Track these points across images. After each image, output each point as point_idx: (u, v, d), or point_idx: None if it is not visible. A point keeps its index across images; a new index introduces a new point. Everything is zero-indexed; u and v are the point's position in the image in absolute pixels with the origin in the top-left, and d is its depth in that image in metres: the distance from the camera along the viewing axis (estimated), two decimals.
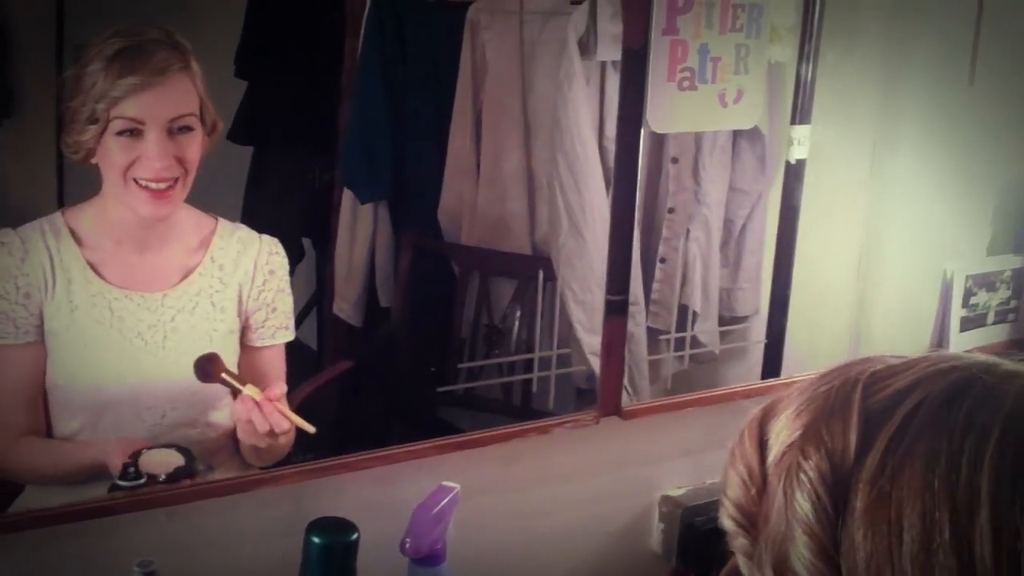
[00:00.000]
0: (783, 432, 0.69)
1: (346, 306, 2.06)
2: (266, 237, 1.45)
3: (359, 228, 2.00)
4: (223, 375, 1.36)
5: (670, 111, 1.70)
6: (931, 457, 0.63)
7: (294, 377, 1.67)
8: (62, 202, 1.42)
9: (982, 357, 0.69)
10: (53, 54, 1.44)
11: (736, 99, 1.76)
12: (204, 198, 1.48)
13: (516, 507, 1.69)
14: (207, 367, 1.35)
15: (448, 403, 1.94)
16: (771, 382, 1.92)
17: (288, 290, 1.47)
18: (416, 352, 2.01)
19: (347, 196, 1.95)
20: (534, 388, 1.80)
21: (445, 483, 1.51)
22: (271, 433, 1.35)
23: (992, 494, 0.61)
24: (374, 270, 2.04)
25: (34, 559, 1.34)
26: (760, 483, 0.69)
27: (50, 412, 1.38)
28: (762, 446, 0.71)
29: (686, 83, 1.69)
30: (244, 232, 1.43)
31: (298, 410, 1.63)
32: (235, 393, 1.36)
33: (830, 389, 0.69)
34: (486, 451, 1.62)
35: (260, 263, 1.43)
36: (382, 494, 1.53)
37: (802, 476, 0.66)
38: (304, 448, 1.50)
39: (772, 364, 1.97)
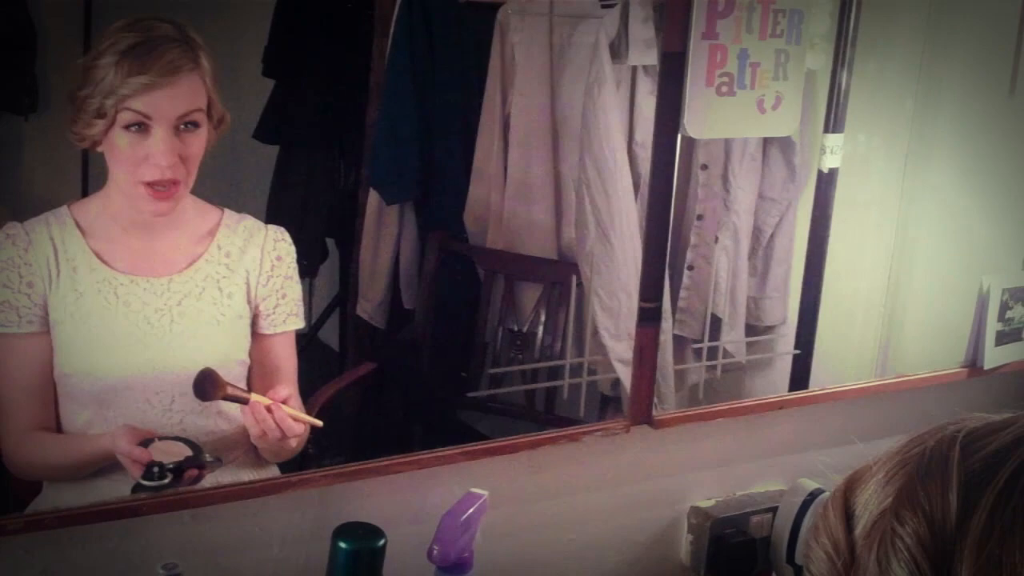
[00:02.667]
0: (873, 499, 0.65)
1: (369, 307, 2.05)
2: (272, 226, 1.45)
3: (384, 229, 2.00)
4: (226, 390, 1.33)
5: (707, 116, 1.67)
6: None
7: (316, 377, 1.68)
8: (86, 195, 1.42)
9: None
10: (80, 50, 1.42)
11: (775, 106, 1.73)
12: (229, 197, 1.49)
13: (544, 515, 1.67)
14: (205, 386, 1.34)
15: (471, 407, 1.93)
16: (802, 393, 1.90)
17: (296, 278, 1.47)
18: (439, 355, 2.00)
19: (373, 197, 1.94)
20: (564, 395, 1.78)
21: (473, 490, 1.49)
22: (283, 438, 1.35)
23: None
24: (398, 272, 2.03)
25: (58, 558, 1.33)
26: (848, 556, 0.65)
27: (59, 405, 1.37)
28: (848, 517, 0.66)
29: (725, 88, 1.67)
30: (250, 221, 1.44)
31: (321, 411, 1.63)
32: (243, 402, 1.35)
33: (924, 450, 0.65)
34: (515, 458, 1.60)
35: (267, 250, 1.43)
36: (410, 500, 1.52)
37: (898, 543, 0.62)
38: (331, 452, 1.49)
39: (800, 375, 1.95)
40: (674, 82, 1.62)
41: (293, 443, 1.39)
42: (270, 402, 1.35)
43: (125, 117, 1.28)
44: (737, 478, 1.81)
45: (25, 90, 1.42)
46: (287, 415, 1.35)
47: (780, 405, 1.82)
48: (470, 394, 1.76)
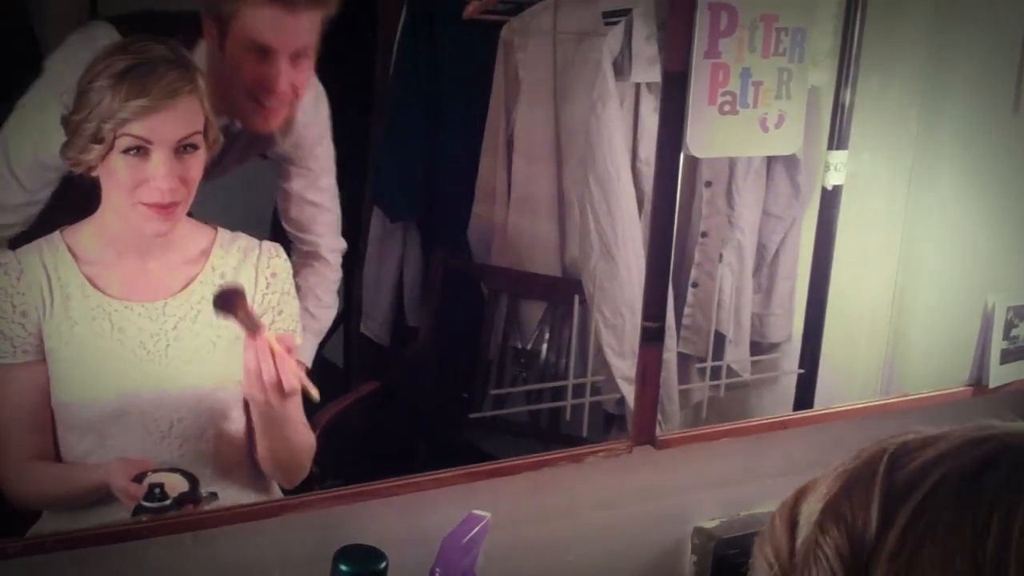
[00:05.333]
0: (810, 511, 0.65)
1: (373, 325, 2.04)
2: (266, 242, 1.44)
3: (388, 246, 1.98)
4: (245, 309, 1.32)
5: (710, 135, 1.67)
6: (954, 533, 0.59)
7: (321, 394, 1.62)
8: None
9: (1022, 425, 0.64)
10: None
11: (777, 124, 1.73)
12: (230, 213, 1.48)
13: (547, 537, 1.66)
14: (230, 297, 1.32)
15: (474, 425, 1.91)
16: (807, 412, 1.89)
17: (293, 293, 1.46)
18: (443, 373, 1.98)
19: (376, 214, 1.92)
20: (567, 416, 1.77)
21: (475, 511, 1.49)
22: (278, 387, 1.31)
23: (1021, 572, 0.56)
24: (402, 290, 2.02)
25: None
26: (787, 566, 0.65)
27: (57, 434, 1.36)
28: (792, 527, 0.66)
29: (727, 107, 1.67)
30: (244, 240, 1.43)
31: (325, 430, 1.61)
32: (252, 334, 1.32)
33: (858, 463, 0.65)
34: (517, 479, 1.59)
35: (261, 267, 1.42)
36: (411, 522, 1.51)
37: (819, 554, 0.62)
38: (334, 472, 1.48)
39: (805, 393, 1.94)
40: (676, 101, 1.62)
41: (287, 398, 1.34)
42: (278, 348, 1.32)
43: (124, 142, 1.27)
44: (741, 498, 1.80)
45: None
46: (288, 360, 1.32)
47: (784, 424, 1.81)
48: (474, 415, 1.75)
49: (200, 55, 1.37)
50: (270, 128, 1.47)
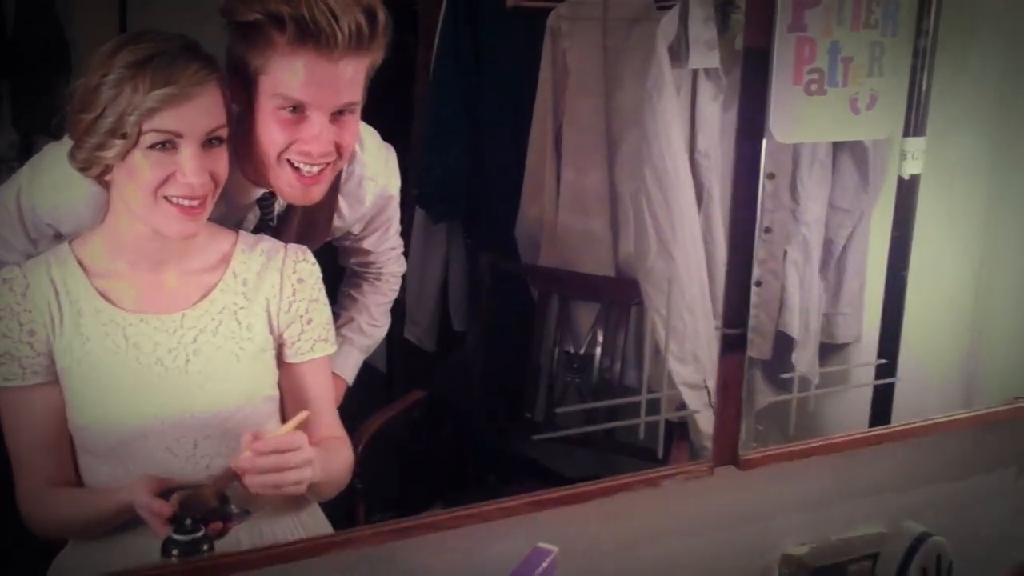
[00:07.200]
0: None
1: (418, 330, 2.04)
2: (292, 245, 1.35)
3: (431, 248, 1.97)
4: (214, 491, 1.21)
5: (795, 119, 1.55)
6: None
7: (364, 399, 1.60)
8: None
9: None
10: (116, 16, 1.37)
11: (869, 105, 1.61)
12: None
13: (620, 570, 1.56)
14: (194, 508, 1.19)
15: (525, 433, 1.83)
16: (902, 425, 1.75)
17: (323, 299, 1.36)
18: (492, 380, 1.93)
19: (419, 215, 1.89)
20: (640, 435, 1.65)
21: (541, 544, 1.38)
22: (286, 472, 1.21)
23: None
24: (447, 293, 2.00)
25: None
26: None
27: (77, 458, 1.29)
28: None
29: (814, 87, 1.55)
30: (267, 243, 1.34)
31: (370, 442, 1.56)
32: (234, 477, 1.22)
33: None
34: (587, 507, 1.48)
35: (287, 273, 1.33)
36: (470, 557, 1.42)
37: None
38: (381, 506, 1.39)
39: (882, 396, 1.82)
40: (758, 81, 1.49)
41: (307, 472, 1.25)
42: (248, 452, 1.21)
43: (150, 138, 1.18)
44: (832, 521, 1.69)
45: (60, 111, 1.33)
46: (271, 443, 1.21)
47: (880, 439, 1.68)
48: (535, 437, 1.65)
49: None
50: (311, 200, 1.32)
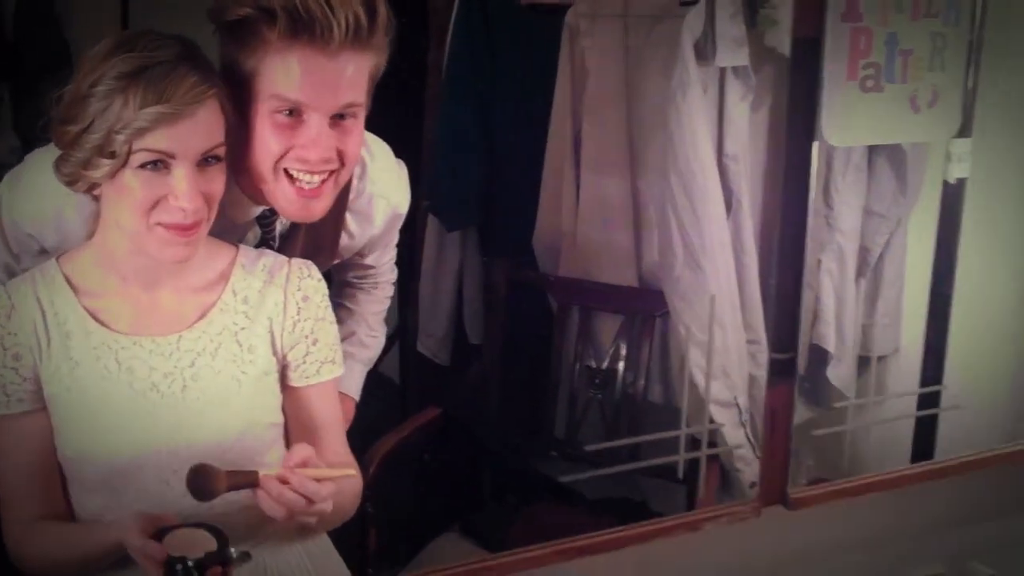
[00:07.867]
0: None
1: (431, 343, 2.05)
2: (296, 260, 1.25)
3: (445, 258, 1.95)
4: (229, 480, 1.13)
5: (850, 118, 1.48)
6: None
7: (377, 412, 1.55)
8: None
9: None
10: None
11: (931, 103, 1.54)
12: None
13: None
14: (201, 485, 1.13)
15: (544, 451, 1.83)
16: (963, 457, 1.67)
17: (330, 318, 1.27)
18: (510, 396, 1.90)
19: (432, 223, 1.89)
20: (679, 474, 1.56)
21: None
22: (309, 506, 1.13)
23: None
24: (462, 304, 1.99)
25: None
26: None
27: (68, 490, 1.21)
28: None
29: (870, 82, 1.47)
30: (269, 258, 1.25)
31: (383, 462, 1.52)
32: (254, 486, 1.14)
33: None
34: (621, 555, 1.40)
35: (291, 291, 1.24)
36: None
37: None
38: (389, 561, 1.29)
39: (925, 431, 1.73)
40: (808, 76, 1.41)
41: (327, 506, 1.17)
42: (284, 472, 1.14)
43: (141, 157, 1.10)
44: (890, 563, 1.59)
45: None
46: (307, 479, 1.15)
47: (944, 472, 1.59)
48: (564, 479, 1.57)
49: None
50: (312, 217, 1.23)
